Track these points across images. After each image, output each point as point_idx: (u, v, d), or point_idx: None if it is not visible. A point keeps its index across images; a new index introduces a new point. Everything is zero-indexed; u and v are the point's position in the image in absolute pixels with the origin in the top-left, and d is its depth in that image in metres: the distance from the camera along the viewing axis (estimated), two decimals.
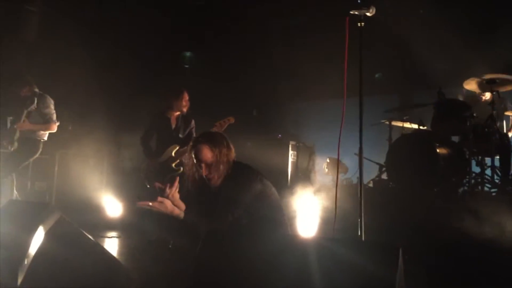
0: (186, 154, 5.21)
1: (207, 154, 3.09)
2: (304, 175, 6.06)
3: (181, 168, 5.42)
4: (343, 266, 2.06)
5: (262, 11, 7.01)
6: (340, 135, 3.49)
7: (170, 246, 5.13)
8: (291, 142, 6.07)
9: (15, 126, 5.25)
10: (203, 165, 3.10)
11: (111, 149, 6.76)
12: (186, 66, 7.73)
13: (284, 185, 5.88)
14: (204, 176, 3.12)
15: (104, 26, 6.89)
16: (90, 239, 2.82)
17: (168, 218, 5.35)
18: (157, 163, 5.38)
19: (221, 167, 3.08)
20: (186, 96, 5.47)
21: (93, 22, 6.85)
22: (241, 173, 3.16)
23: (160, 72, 6.91)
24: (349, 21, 2.93)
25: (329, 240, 2.12)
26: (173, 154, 5.40)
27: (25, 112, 5.31)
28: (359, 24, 2.97)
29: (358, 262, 2.04)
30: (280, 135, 6.39)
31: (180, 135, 5.48)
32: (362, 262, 2.03)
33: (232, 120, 5.35)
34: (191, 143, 3.23)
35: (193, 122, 5.57)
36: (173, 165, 5.39)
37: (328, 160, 6.19)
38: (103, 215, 6.52)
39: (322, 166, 6.27)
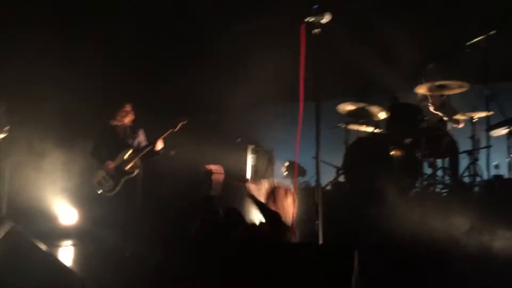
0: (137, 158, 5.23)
1: None
2: (263, 179, 6.08)
3: (135, 171, 5.37)
4: (302, 270, 2.09)
5: (221, 14, 7.03)
6: (297, 139, 3.55)
7: (127, 254, 5.05)
8: (250, 146, 6.10)
9: None
10: None
11: (64, 155, 6.57)
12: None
13: (243, 190, 5.88)
14: None
15: (58, 32, 6.72)
16: (42, 249, 2.73)
17: (125, 225, 5.30)
18: (111, 167, 5.31)
19: None
20: (126, 108, 5.46)
21: (47, 28, 6.66)
22: None
23: (114, 79, 6.79)
24: (305, 28, 2.97)
25: (287, 244, 2.15)
26: (126, 157, 5.37)
27: None
28: (314, 31, 3.02)
29: (316, 265, 2.08)
30: (239, 139, 6.40)
31: (129, 144, 5.47)
32: (319, 265, 2.07)
33: (185, 121, 5.38)
34: None
35: (141, 132, 5.59)
36: (127, 168, 5.34)
37: (287, 163, 6.24)
38: (57, 223, 6.34)
39: (281, 170, 6.32)
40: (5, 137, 5.34)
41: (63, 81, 6.63)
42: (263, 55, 5.98)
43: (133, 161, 5.37)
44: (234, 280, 2.17)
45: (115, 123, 5.52)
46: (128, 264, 4.74)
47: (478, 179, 5.23)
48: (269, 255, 2.18)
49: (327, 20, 3.01)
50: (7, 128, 5.33)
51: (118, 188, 5.36)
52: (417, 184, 5.16)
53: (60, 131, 6.53)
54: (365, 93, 5.90)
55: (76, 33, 6.82)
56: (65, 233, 6.15)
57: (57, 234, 6.07)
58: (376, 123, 5.76)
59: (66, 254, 5.38)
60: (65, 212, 6.38)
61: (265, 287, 2.15)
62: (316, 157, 3.13)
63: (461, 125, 5.73)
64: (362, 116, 5.85)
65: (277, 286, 2.10)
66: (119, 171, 5.35)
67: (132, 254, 5.00)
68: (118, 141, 5.51)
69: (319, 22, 3.00)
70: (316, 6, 3.06)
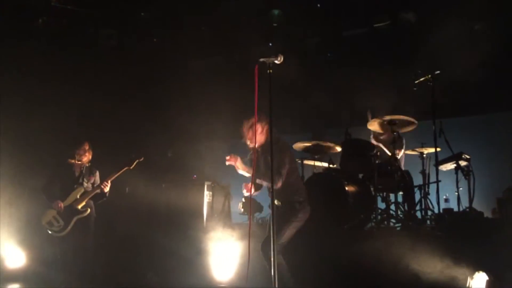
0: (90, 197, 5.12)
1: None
2: (219, 216, 6.04)
3: (88, 210, 5.22)
4: None
5: (178, 52, 7.10)
6: (253, 175, 3.59)
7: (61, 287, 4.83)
8: (207, 183, 6.04)
9: None
10: None
11: (12, 193, 6.32)
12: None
13: (199, 227, 5.81)
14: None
15: (15, 68, 6.61)
16: None
17: (76, 267, 5.10)
18: (61, 207, 5.15)
19: None
20: (85, 146, 5.39)
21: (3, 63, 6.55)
22: None
23: (69, 115, 6.68)
24: (258, 68, 3.04)
25: None
26: (78, 196, 5.23)
27: None
28: (268, 71, 3.09)
29: None
30: (195, 176, 6.35)
31: (85, 183, 5.33)
32: None
33: (141, 158, 5.33)
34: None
35: (97, 173, 5.52)
36: (79, 207, 5.19)
37: (243, 200, 6.22)
38: (3, 265, 6.03)
39: (238, 206, 6.28)
40: None
41: (16, 116, 6.47)
42: (219, 93, 6.05)
43: (85, 201, 5.22)
44: None
45: (72, 161, 5.38)
46: None
47: (429, 212, 5.38)
48: None
49: (280, 61, 3.08)
50: None
51: (69, 228, 5.17)
52: (371, 219, 5.24)
53: (8, 168, 6.30)
54: (319, 128, 6.03)
55: (40, 68, 6.72)
56: (12, 276, 5.87)
57: (3, 277, 5.78)
58: (331, 159, 5.87)
59: None
60: (12, 253, 6.09)
61: None
62: (272, 194, 3.15)
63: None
64: (317, 152, 5.96)
65: None
66: (71, 210, 5.19)
67: None
68: (73, 179, 5.38)
69: (272, 62, 3.07)
70: (270, 44, 3.16)
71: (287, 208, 4.09)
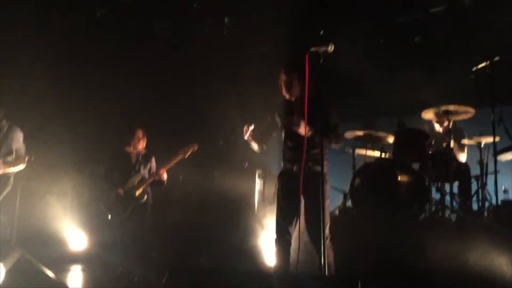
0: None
1: None
2: (271, 204, 6.11)
3: (145, 197, 5.42)
4: None
5: (230, 42, 7.17)
6: (303, 164, 3.51)
7: (135, 279, 5.06)
8: (258, 171, 6.13)
9: None
10: None
11: (74, 180, 6.66)
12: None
13: (251, 214, 5.91)
14: None
15: (73, 59, 6.91)
16: (51, 277, 2.77)
17: (134, 251, 5.33)
18: (120, 192, 5.36)
19: None
20: (139, 134, 5.56)
21: (62, 53, 6.86)
22: None
23: (125, 104, 6.92)
24: (308, 57, 3.04)
25: (290, 276, 2.17)
26: (135, 183, 5.42)
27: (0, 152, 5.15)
28: (320, 60, 3.07)
29: None
30: (246, 164, 6.44)
31: (142, 170, 5.52)
32: None
33: (195, 147, 5.45)
34: None
35: (153, 159, 5.67)
36: (137, 194, 5.39)
37: None
38: (67, 248, 6.38)
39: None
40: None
41: (77, 106, 6.78)
42: (268, 82, 6.06)
43: (142, 188, 5.42)
44: None
45: (129, 149, 5.59)
46: None
47: (486, 204, 5.21)
48: (270, 284, 2.19)
49: (331, 50, 3.06)
50: (25, 158, 5.40)
51: (127, 213, 5.40)
52: (425, 210, 5.14)
53: (71, 155, 6.63)
54: (372, 117, 5.93)
55: (93, 59, 6.99)
56: (75, 258, 6.20)
57: (66, 259, 6.12)
58: (383, 148, 5.78)
59: (75, 279, 5.41)
60: (75, 237, 6.44)
61: None
62: (322, 181, 3.16)
63: (463, 158, 5.70)
64: (369, 141, 5.89)
65: None
66: (129, 197, 5.40)
67: (140, 280, 5.02)
68: (130, 167, 5.56)
69: (323, 51, 3.06)
70: (322, 32, 3.14)
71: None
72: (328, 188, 3.59)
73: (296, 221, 3.46)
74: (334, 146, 3.61)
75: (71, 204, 6.56)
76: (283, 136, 3.71)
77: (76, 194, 6.63)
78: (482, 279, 3.96)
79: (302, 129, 3.35)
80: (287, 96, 3.62)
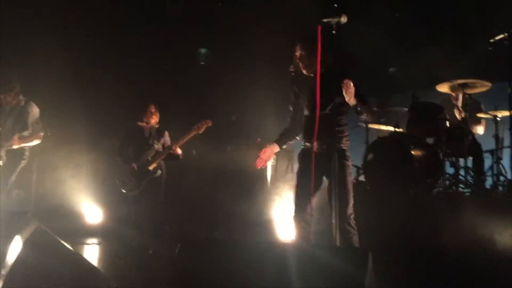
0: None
1: None
2: (283, 178, 6.13)
3: (159, 171, 5.46)
4: (317, 271, 2.13)
5: (241, 16, 7.09)
6: (315, 137, 3.47)
7: (150, 252, 5.16)
8: None
9: (4, 144, 5.12)
10: None
11: (90, 155, 6.74)
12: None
13: (264, 189, 5.95)
14: None
15: (86, 34, 6.90)
16: (68, 248, 2.83)
17: (148, 225, 5.41)
18: (134, 167, 5.41)
19: None
20: (151, 109, 5.56)
21: (76, 30, 6.85)
22: None
23: (139, 81, 6.93)
24: (321, 29, 2.99)
25: (303, 246, 2.20)
26: (149, 158, 5.45)
27: (16, 127, 5.22)
28: (333, 31, 3.02)
29: (331, 266, 2.11)
30: (259, 139, 6.45)
31: (155, 144, 5.55)
32: (334, 266, 2.11)
33: (209, 123, 5.46)
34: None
35: (166, 134, 5.69)
36: (150, 168, 5.43)
37: None
38: (83, 221, 6.51)
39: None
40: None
41: (92, 83, 6.81)
42: (281, 55, 6.00)
43: (156, 162, 5.45)
44: (250, 280, 2.21)
45: (142, 124, 5.61)
46: (151, 263, 4.86)
47: (501, 178, 5.16)
48: (286, 255, 2.21)
49: (344, 21, 3.01)
50: (41, 134, 5.47)
51: (141, 187, 5.45)
52: (439, 184, 5.11)
53: (86, 131, 6.69)
54: (386, 92, 5.86)
55: (107, 35, 6.99)
56: (90, 232, 6.33)
57: (82, 233, 6.25)
58: (397, 123, 5.72)
59: (92, 252, 5.53)
60: (91, 211, 6.55)
61: (282, 285, 2.18)
62: (333, 160, 3.13)
63: (480, 130, 5.64)
64: (382, 115, 5.84)
65: (294, 285, 2.14)
66: (143, 171, 5.44)
67: (155, 253, 5.11)
68: (143, 141, 5.59)
69: (335, 23, 3.00)
70: (335, 6, 3.07)
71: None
72: (350, 165, 3.57)
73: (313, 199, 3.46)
74: (370, 118, 3.62)
75: (86, 179, 6.65)
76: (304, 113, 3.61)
77: (91, 169, 6.71)
78: (494, 254, 3.95)
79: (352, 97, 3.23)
80: (304, 72, 3.51)
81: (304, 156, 3.57)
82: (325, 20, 2.99)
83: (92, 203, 6.56)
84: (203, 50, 7.59)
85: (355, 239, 3.36)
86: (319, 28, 2.98)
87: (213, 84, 7.04)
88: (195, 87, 7.22)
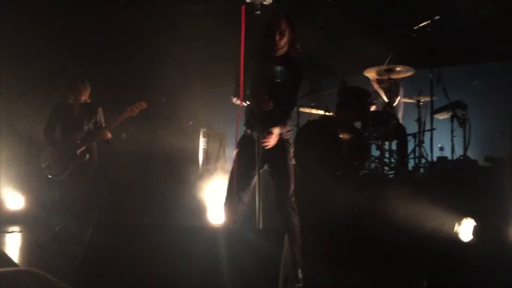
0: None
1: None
2: (215, 162, 6.10)
3: (87, 156, 5.20)
4: (236, 253, 2.13)
5: None
6: (237, 122, 3.45)
7: (56, 229, 4.94)
8: (202, 129, 6.06)
9: None
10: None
11: (6, 138, 6.33)
12: None
13: (195, 172, 5.89)
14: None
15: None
16: None
17: (75, 211, 5.18)
18: (60, 151, 5.14)
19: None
20: (79, 84, 5.22)
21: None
22: None
23: (67, 55, 6.58)
24: (245, 9, 2.94)
25: (224, 229, 2.20)
26: (78, 140, 5.18)
27: None
28: (256, 12, 2.98)
29: (249, 247, 2.13)
30: (190, 122, 6.35)
31: (85, 124, 5.26)
32: (253, 247, 2.12)
33: (144, 105, 5.27)
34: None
35: (100, 110, 5.38)
36: (78, 152, 5.17)
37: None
38: (3, 208, 6.16)
39: (233, 153, 6.32)
40: None
41: (18, 52, 6.36)
42: (211, 37, 5.94)
43: (85, 145, 5.19)
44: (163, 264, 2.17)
45: (70, 101, 5.28)
46: (75, 249, 4.68)
47: (423, 161, 5.40)
48: (205, 239, 2.19)
49: (269, 2, 2.97)
50: None
51: (67, 172, 5.18)
52: (365, 166, 5.27)
53: (6, 111, 6.25)
54: (316, 76, 5.94)
55: (41, 9, 6.56)
56: (12, 219, 6.01)
57: (2, 220, 5.91)
58: (326, 107, 5.83)
59: (13, 240, 5.26)
60: (11, 197, 6.22)
61: (203, 269, 2.16)
62: (258, 139, 3.11)
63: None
64: (313, 99, 5.93)
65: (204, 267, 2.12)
66: (70, 155, 5.16)
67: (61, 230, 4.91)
68: (72, 121, 5.25)
69: (260, 3, 2.96)
70: None
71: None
72: (291, 151, 3.60)
73: (251, 186, 3.44)
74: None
75: (7, 163, 6.26)
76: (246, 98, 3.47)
77: (9, 152, 6.31)
78: (412, 231, 4.14)
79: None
80: (278, 45, 3.45)
81: (244, 142, 3.53)
82: (248, 0, 2.94)
83: (12, 188, 6.20)
84: None
85: (296, 221, 3.49)
86: (243, 8, 2.93)
87: (143, 65, 6.82)
88: (126, 67, 6.96)
